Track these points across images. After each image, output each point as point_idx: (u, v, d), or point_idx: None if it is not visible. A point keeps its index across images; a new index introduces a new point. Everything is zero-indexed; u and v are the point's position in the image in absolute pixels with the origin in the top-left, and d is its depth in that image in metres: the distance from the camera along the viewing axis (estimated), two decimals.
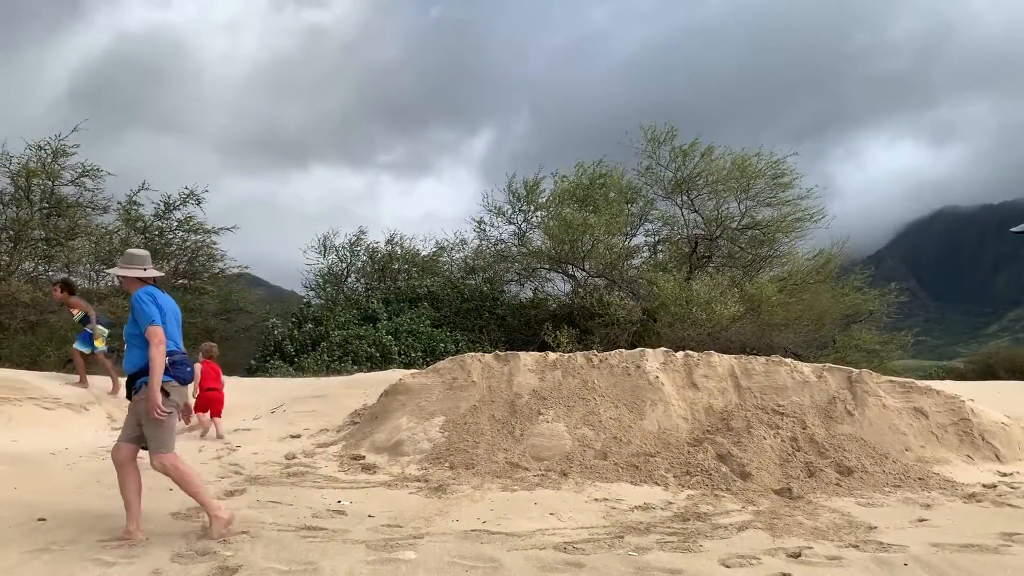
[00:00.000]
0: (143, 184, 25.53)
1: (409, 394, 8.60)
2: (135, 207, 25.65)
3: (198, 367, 10.88)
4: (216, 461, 7.60)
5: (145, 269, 5.28)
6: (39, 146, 23.41)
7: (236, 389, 10.70)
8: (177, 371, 5.13)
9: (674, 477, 7.19)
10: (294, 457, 7.77)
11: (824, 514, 6.13)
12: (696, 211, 24.81)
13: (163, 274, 5.74)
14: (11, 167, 23.20)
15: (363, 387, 9.89)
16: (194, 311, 25.67)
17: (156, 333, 4.93)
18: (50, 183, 24.04)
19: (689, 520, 5.91)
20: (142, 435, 5.07)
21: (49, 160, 23.71)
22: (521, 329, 24.00)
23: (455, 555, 4.69)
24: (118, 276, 5.42)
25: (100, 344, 10.90)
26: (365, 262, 29.25)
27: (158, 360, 4.89)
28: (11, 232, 23.65)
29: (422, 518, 5.69)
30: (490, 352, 9.37)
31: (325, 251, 29.20)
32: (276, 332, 24.91)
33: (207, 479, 6.80)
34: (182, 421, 9.85)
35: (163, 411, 4.92)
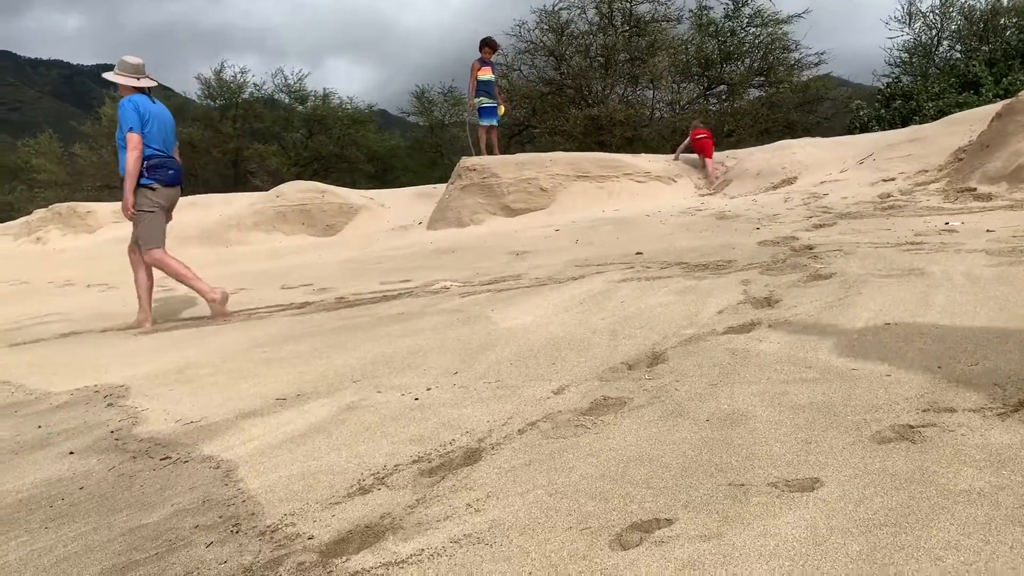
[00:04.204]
0: None
1: None
2: (705, 12, 25.85)
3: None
4: (803, 207, 7.27)
5: (138, 79, 5.24)
6: None
7: (817, 146, 10.14)
8: (156, 174, 5.18)
9: None
10: (889, 196, 6.99)
11: None
12: None
13: (155, 83, 5.39)
14: None
15: (967, 124, 8.36)
16: (775, 106, 25.33)
17: (131, 139, 5.04)
18: (627, 4, 25.57)
19: None
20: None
21: None
22: None
23: None
24: (113, 82, 5.32)
25: (501, 111, 11.15)
26: (960, 24, 25.01)
27: (131, 165, 5.04)
28: (601, 59, 26.01)
29: None
30: None
31: (910, 19, 25.77)
32: (862, 113, 23.12)
33: (794, 221, 6.53)
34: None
35: (133, 212, 5.11)
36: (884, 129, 21.52)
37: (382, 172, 34.90)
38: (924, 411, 2.13)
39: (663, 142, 25.44)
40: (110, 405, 3.33)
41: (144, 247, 5.29)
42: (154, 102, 5.28)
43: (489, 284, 5.23)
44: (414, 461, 2.24)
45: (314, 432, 2.62)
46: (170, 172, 5.28)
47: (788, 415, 2.21)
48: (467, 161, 10.25)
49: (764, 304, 3.58)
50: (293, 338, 4.27)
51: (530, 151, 27.72)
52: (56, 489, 2.39)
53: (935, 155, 7.96)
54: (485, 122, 10.97)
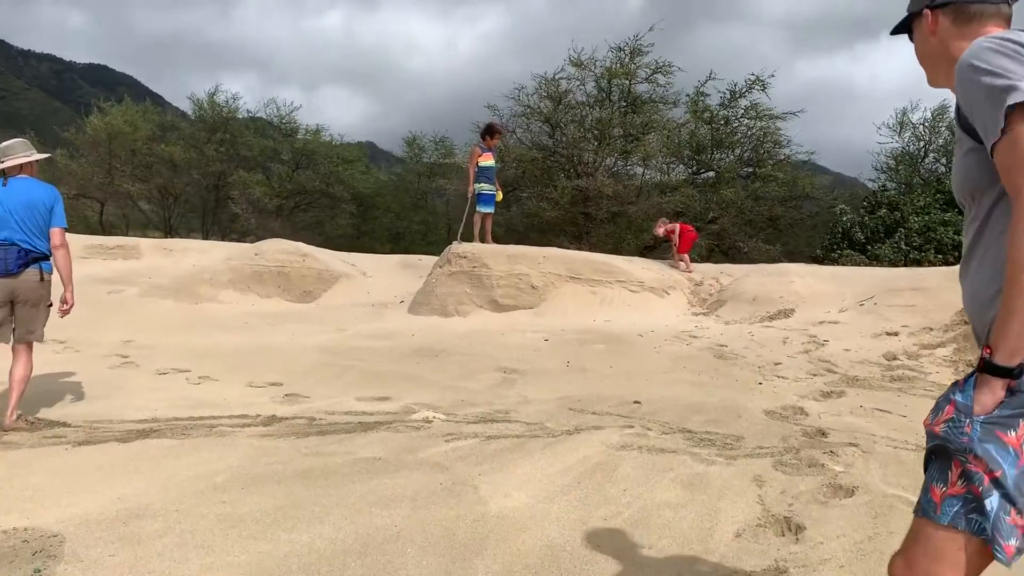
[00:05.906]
0: (710, 74, 25.85)
1: None
2: (702, 98, 26.14)
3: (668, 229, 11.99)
4: (804, 356, 6.98)
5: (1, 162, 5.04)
6: (619, 48, 25.21)
7: (815, 276, 9.94)
8: None
9: None
10: (895, 358, 6.73)
11: None
12: None
13: (13, 164, 5.07)
14: (595, 71, 25.44)
15: None
16: (760, 199, 25.50)
17: None
18: (627, 82, 25.76)
19: None
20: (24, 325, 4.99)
21: (627, 60, 25.37)
22: None
23: None
24: None
25: (499, 197, 10.70)
26: (947, 139, 25.73)
27: None
28: (595, 132, 26.11)
29: None
30: None
31: (901, 128, 26.40)
32: (844, 219, 23.34)
33: (797, 379, 6.23)
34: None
35: None
36: (867, 236, 21.75)
37: (364, 210, 34.53)
38: None
39: (647, 220, 25.42)
40: (37, 572, 2.88)
41: None
42: (5, 185, 4.98)
43: (475, 423, 4.85)
44: None
45: None
46: None
47: None
48: (458, 247, 9.90)
49: (786, 529, 3.23)
50: (256, 481, 3.84)
51: (516, 212, 27.57)
52: None
53: (939, 310, 7.75)
54: (483, 209, 10.59)
